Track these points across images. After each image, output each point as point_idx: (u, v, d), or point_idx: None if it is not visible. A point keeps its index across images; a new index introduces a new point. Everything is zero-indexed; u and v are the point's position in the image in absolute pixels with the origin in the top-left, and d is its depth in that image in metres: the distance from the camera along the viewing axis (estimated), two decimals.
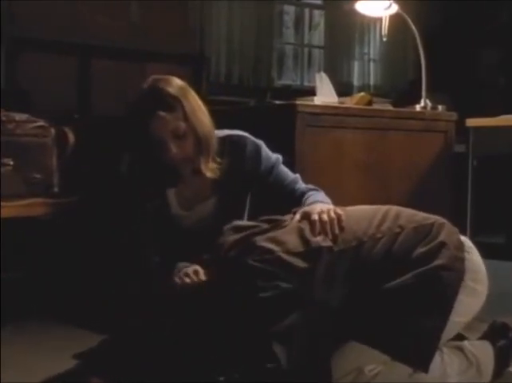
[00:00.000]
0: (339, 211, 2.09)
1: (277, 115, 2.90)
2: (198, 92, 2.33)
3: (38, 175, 3.04)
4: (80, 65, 4.85)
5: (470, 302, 2.02)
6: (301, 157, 2.73)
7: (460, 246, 2.04)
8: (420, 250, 2.00)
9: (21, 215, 2.90)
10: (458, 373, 2.04)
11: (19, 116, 3.08)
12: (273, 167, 2.38)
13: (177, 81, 2.26)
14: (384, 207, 2.13)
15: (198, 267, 2.15)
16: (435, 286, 1.96)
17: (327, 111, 2.87)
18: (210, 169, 2.27)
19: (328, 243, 1.98)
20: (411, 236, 2.03)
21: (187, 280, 2.11)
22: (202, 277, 2.12)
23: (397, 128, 3.06)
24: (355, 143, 2.92)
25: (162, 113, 2.17)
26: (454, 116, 3.25)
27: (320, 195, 2.31)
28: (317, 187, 2.37)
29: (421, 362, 1.94)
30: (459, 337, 2.13)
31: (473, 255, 2.07)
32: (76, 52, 4.82)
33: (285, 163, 2.46)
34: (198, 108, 2.25)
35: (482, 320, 2.24)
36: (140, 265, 2.30)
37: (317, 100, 3.02)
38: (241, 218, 2.34)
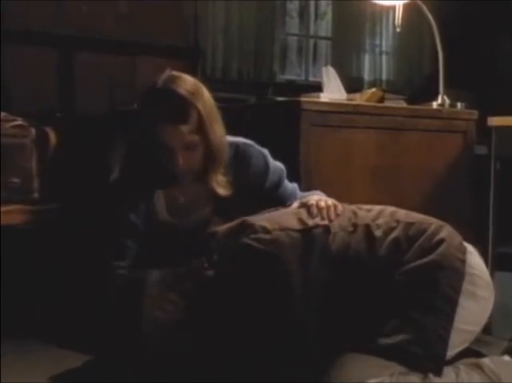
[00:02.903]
0: (336, 202, 2.25)
1: (280, 113, 2.91)
2: None
3: (16, 180, 3.05)
4: (63, 59, 4.86)
5: (471, 307, 2.06)
6: (306, 159, 2.74)
7: (461, 249, 2.11)
8: (418, 243, 2.07)
9: None
10: None
11: None
12: (279, 185, 2.43)
13: (190, 81, 2.25)
14: (379, 206, 2.26)
15: None
16: (434, 283, 2.02)
17: (335, 108, 2.88)
18: (222, 185, 2.29)
19: (325, 222, 2.13)
20: (408, 232, 2.11)
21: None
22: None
23: (412, 128, 3.06)
24: (365, 143, 2.92)
25: (175, 123, 2.15)
26: (474, 114, 3.26)
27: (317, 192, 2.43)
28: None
29: (432, 365, 1.98)
30: (477, 355, 2.15)
31: (473, 259, 2.13)
32: (59, 44, 4.83)
33: (288, 165, 2.47)
34: (212, 114, 2.24)
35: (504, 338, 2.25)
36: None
37: (324, 97, 3.03)
38: None
